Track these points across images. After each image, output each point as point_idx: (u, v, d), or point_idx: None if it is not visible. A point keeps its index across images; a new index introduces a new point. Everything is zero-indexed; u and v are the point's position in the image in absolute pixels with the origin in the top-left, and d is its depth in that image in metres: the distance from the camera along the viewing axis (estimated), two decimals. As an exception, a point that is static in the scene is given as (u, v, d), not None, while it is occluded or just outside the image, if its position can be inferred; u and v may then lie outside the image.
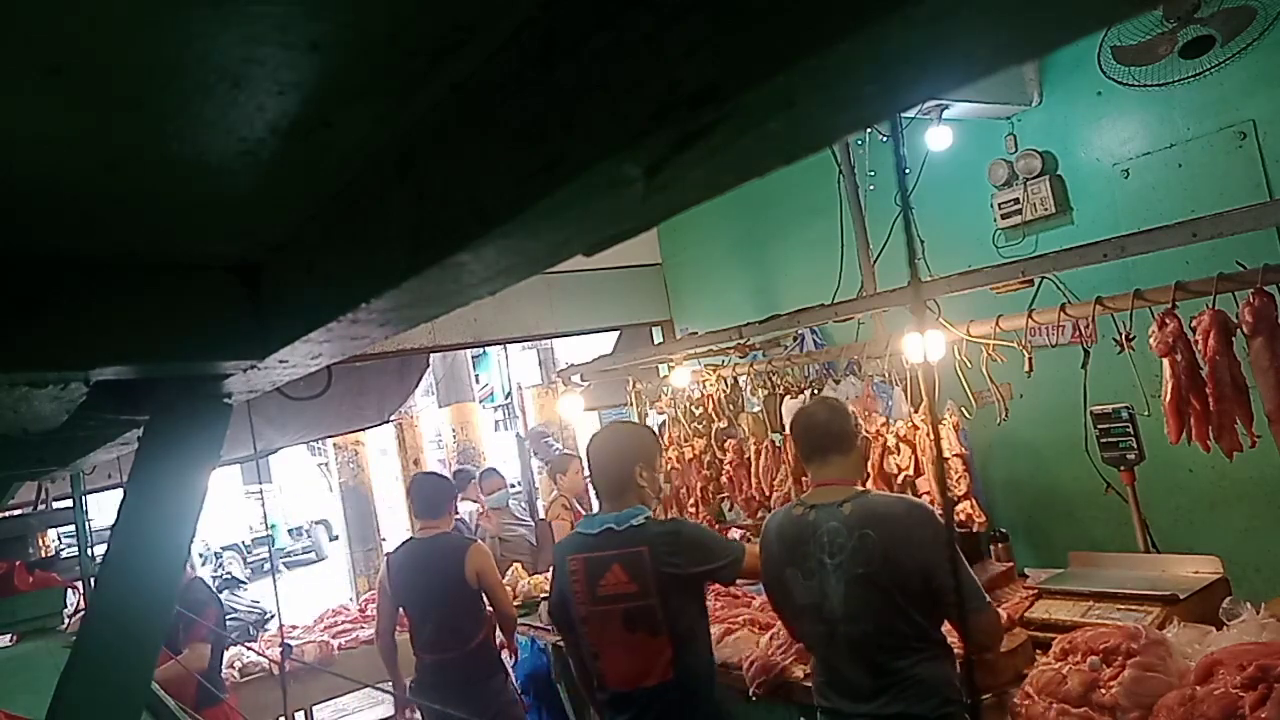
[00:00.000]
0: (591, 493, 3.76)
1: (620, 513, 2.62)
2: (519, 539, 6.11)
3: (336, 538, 15.33)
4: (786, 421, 4.17)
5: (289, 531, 18.01)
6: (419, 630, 3.71)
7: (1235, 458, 2.57)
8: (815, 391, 4.02)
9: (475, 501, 6.47)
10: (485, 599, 3.69)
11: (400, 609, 3.79)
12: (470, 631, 3.64)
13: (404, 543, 3.88)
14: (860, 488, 2.41)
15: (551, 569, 2.91)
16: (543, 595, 4.42)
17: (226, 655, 5.26)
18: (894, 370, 3.66)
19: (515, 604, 4.26)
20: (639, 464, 2.67)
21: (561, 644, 4.18)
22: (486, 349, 11.88)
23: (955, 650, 2.33)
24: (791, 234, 5.47)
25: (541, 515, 6.32)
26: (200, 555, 13.06)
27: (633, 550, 2.56)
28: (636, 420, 5.19)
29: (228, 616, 8.23)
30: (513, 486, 7.11)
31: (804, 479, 3.91)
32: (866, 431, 3.42)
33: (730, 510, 4.96)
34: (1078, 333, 3.60)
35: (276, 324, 1.04)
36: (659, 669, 2.55)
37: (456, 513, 3.96)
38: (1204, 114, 3.59)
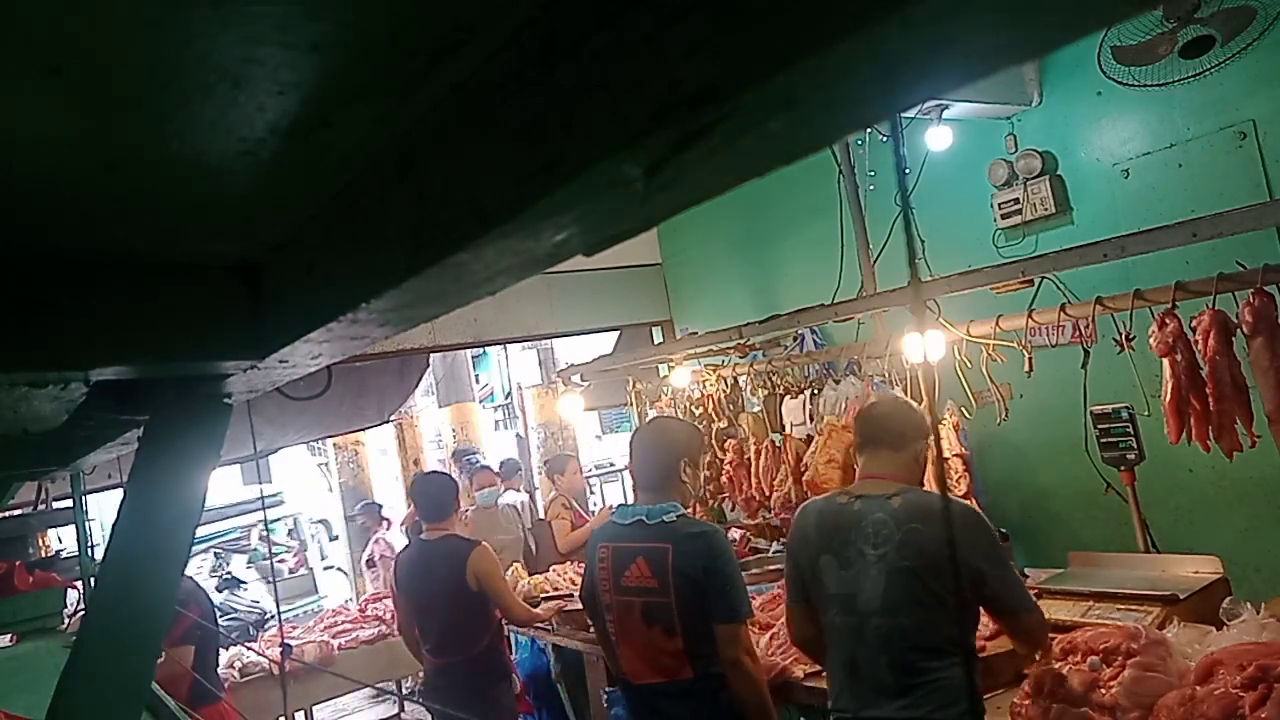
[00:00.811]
0: (590, 487, 3.75)
1: (653, 506, 2.63)
2: (505, 546, 5.88)
3: (336, 538, 15.30)
4: (787, 421, 4.18)
5: (289, 533, 17.98)
6: (424, 634, 3.69)
7: (1235, 458, 2.57)
8: (815, 392, 4.02)
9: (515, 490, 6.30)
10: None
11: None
12: (475, 636, 3.61)
13: (410, 544, 3.86)
14: (908, 485, 2.33)
15: (586, 554, 2.93)
16: (543, 595, 4.42)
17: (226, 655, 5.27)
18: (894, 370, 3.66)
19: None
20: (685, 459, 2.68)
21: (561, 644, 4.21)
22: (486, 349, 11.88)
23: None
24: (791, 234, 5.47)
25: (540, 515, 6.26)
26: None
27: (657, 546, 2.57)
28: (636, 421, 5.20)
29: (227, 616, 8.24)
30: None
31: (803, 478, 3.92)
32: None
33: (731, 511, 4.96)
34: (1078, 333, 3.60)
35: (276, 324, 1.04)
36: (673, 667, 2.56)
37: (465, 506, 3.86)
38: (1204, 114, 3.59)
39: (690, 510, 2.74)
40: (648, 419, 2.98)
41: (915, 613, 2.16)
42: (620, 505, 2.80)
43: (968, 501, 3.44)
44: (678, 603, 2.52)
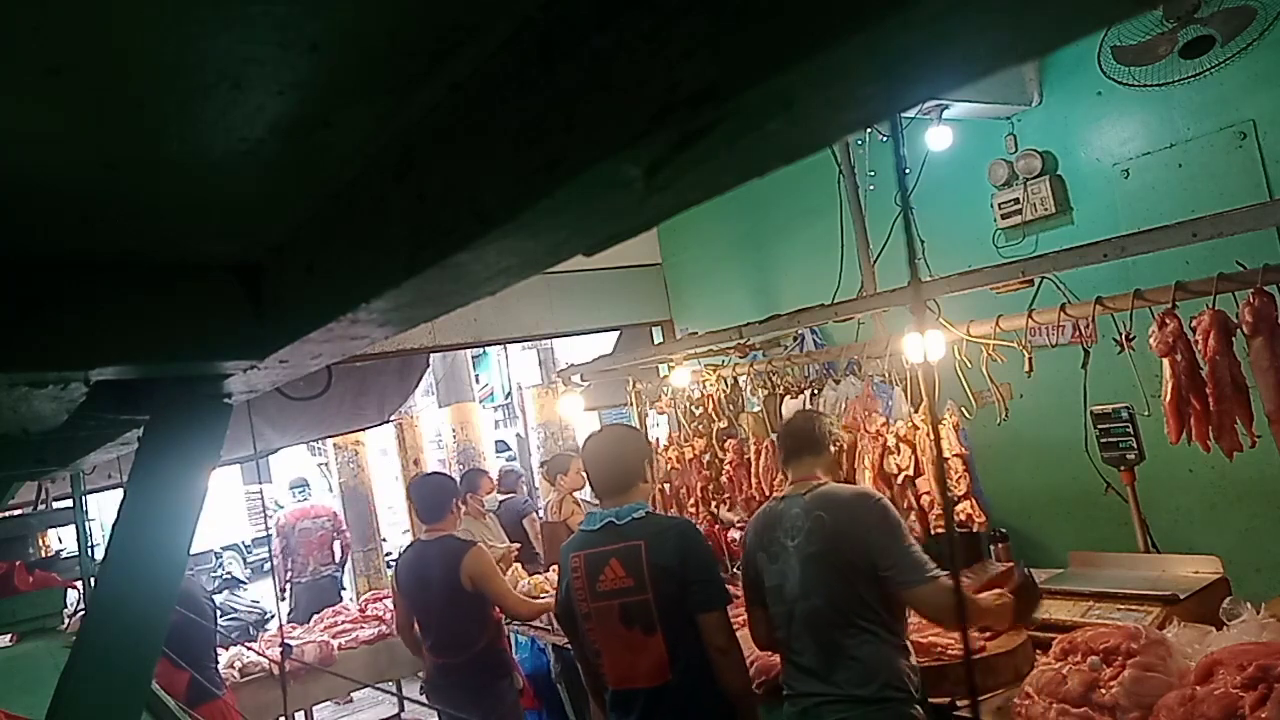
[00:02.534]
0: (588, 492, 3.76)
1: (621, 507, 2.67)
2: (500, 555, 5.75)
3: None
4: (786, 422, 4.18)
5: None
6: (424, 633, 3.71)
7: (1235, 458, 2.57)
8: (815, 392, 4.02)
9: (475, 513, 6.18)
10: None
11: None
12: (473, 636, 3.59)
13: (410, 545, 3.89)
14: (824, 481, 2.57)
15: (558, 569, 2.94)
16: (543, 595, 4.42)
17: (226, 655, 5.27)
18: (894, 370, 3.66)
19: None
20: (645, 461, 2.78)
21: (560, 644, 4.21)
22: (486, 349, 11.88)
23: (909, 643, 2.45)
24: (791, 234, 5.47)
25: (545, 517, 6.22)
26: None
27: (630, 544, 2.60)
28: (637, 421, 5.20)
29: (227, 616, 8.24)
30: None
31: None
32: (843, 440, 3.53)
33: (731, 511, 4.95)
34: (1078, 333, 3.60)
35: (276, 324, 1.04)
36: (655, 669, 2.56)
37: (465, 508, 3.82)
38: (1204, 114, 3.59)
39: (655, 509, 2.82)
40: (596, 430, 3.07)
41: (825, 594, 2.38)
42: (589, 513, 2.82)
43: (969, 512, 3.44)
44: (655, 597, 2.54)
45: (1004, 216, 4.27)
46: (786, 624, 2.49)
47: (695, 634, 2.55)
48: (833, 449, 2.71)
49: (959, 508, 3.43)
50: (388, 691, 5.55)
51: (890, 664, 2.33)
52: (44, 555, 4.53)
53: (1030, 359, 3.00)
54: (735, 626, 2.64)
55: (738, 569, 4.24)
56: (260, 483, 15.43)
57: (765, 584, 2.56)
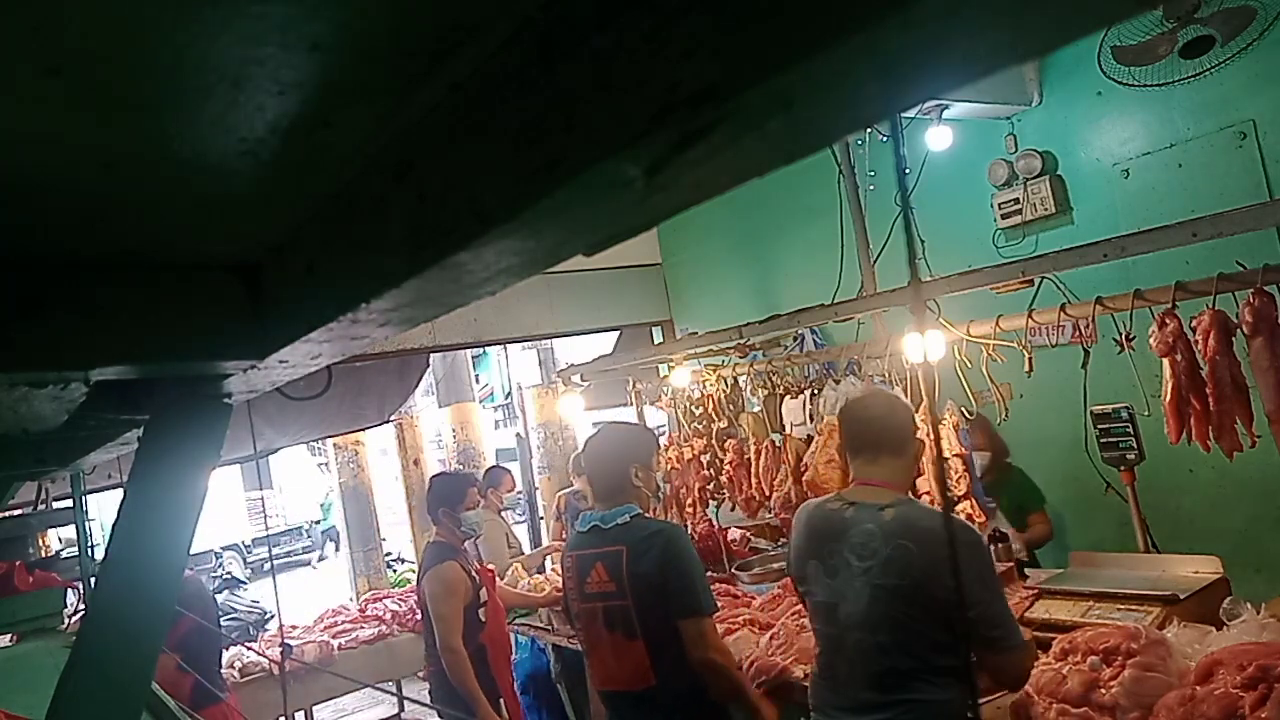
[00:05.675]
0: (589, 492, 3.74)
1: (608, 511, 2.65)
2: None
3: (336, 537, 15.36)
4: (787, 421, 4.17)
5: (286, 533, 18.01)
6: None
7: (1235, 458, 2.57)
8: (815, 392, 4.02)
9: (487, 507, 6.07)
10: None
11: None
12: (431, 653, 3.48)
13: None
14: (905, 495, 2.22)
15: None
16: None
17: (226, 655, 5.27)
18: (894, 370, 3.66)
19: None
20: (635, 464, 2.68)
21: (560, 644, 4.21)
22: (486, 349, 11.87)
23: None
24: (791, 234, 5.47)
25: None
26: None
27: (613, 549, 2.58)
28: (635, 420, 5.20)
29: (227, 616, 8.24)
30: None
31: (803, 478, 3.91)
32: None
33: (732, 510, 4.95)
34: (1078, 333, 3.59)
35: (276, 324, 1.04)
36: (638, 674, 2.55)
37: (469, 508, 3.67)
38: (1204, 114, 3.60)
39: (653, 512, 2.76)
40: (596, 427, 2.99)
41: (895, 632, 2.08)
42: (582, 514, 2.81)
43: (969, 512, 3.43)
44: (635, 604, 2.52)
45: (1004, 216, 4.27)
46: (833, 647, 2.23)
47: (677, 642, 2.50)
48: (918, 444, 2.21)
49: (959, 508, 3.43)
50: (388, 691, 5.56)
51: (950, 709, 2.07)
52: (44, 555, 4.53)
53: (1030, 359, 3.00)
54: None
55: (734, 570, 4.27)
56: (261, 488, 15.46)
57: (815, 596, 2.28)
